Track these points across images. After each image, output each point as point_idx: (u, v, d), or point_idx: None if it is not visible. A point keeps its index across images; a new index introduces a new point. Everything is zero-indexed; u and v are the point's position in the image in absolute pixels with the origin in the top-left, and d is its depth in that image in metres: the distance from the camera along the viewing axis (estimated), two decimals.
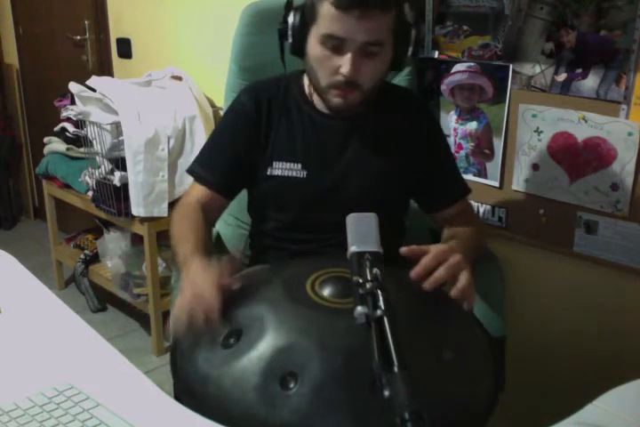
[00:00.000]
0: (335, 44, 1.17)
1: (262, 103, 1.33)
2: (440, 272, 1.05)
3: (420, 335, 0.98)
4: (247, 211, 1.48)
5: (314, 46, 1.20)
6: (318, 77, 1.23)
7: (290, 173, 1.32)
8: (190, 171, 1.39)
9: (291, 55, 1.27)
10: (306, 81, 1.34)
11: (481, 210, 1.84)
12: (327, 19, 1.16)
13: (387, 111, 1.35)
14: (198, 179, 1.37)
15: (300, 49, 1.24)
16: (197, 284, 1.06)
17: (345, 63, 1.17)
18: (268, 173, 1.33)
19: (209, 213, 1.34)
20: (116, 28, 2.90)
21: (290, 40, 1.24)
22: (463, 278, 1.07)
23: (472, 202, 1.76)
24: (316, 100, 1.33)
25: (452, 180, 1.42)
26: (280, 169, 1.32)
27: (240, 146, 1.34)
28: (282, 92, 1.35)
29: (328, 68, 1.20)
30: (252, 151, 1.34)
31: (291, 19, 1.22)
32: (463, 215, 1.38)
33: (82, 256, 2.82)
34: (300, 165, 1.32)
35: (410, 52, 1.24)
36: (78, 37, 3.04)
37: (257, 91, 1.36)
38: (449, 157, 1.44)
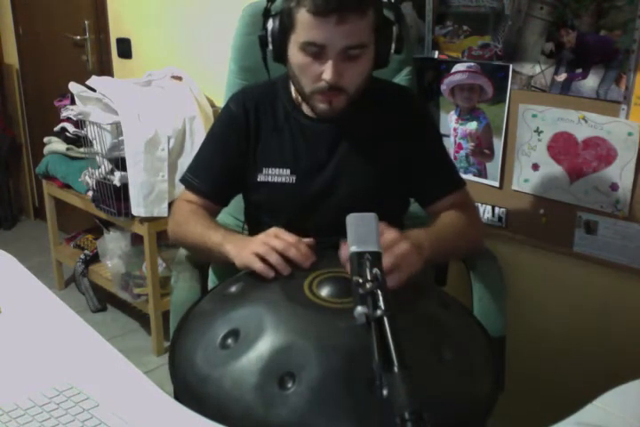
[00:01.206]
0: (315, 51, 1.16)
1: (250, 110, 1.33)
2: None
3: (419, 335, 0.98)
4: (243, 216, 1.48)
5: (294, 54, 1.19)
6: (302, 84, 1.22)
7: (279, 179, 1.32)
8: (183, 180, 1.39)
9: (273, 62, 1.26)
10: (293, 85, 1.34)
11: (481, 210, 1.84)
12: (305, 26, 1.15)
13: (375, 110, 1.34)
14: (191, 188, 1.37)
15: (281, 56, 1.23)
16: (270, 232, 1.12)
17: (327, 69, 1.16)
18: (258, 179, 1.33)
19: None
20: (116, 28, 2.90)
21: (270, 48, 1.23)
22: (404, 270, 1.03)
23: None
24: (303, 103, 1.32)
25: (444, 172, 1.39)
26: (269, 175, 1.32)
27: (230, 154, 1.34)
28: (269, 97, 1.35)
29: (310, 74, 1.19)
30: (242, 158, 1.34)
31: (269, 26, 1.21)
32: (455, 208, 1.33)
33: (82, 256, 2.82)
34: (288, 171, 1.32)
35: (393, 49, 1.23)
36: (78, 37, 3.04)
37: (245, 97, 1.36)
38: (439, 151, 1.41)
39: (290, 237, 1.12)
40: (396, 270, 1.02)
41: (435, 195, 1.36)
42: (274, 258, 1.08)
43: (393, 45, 1.23)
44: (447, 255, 1.29)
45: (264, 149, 1.33)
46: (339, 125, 1.32)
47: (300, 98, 1.31)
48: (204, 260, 1.38)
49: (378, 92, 1.34)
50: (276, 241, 1.10)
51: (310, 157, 1.32)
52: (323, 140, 1.32)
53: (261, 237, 1.14)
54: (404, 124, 1.34)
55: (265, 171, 1.33)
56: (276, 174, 1.32)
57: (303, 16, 1.14)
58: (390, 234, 1.06)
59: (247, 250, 1.12)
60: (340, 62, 1.16)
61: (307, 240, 1.13)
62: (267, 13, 1.23)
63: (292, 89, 1.33)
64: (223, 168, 1.35)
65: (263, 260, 1.09)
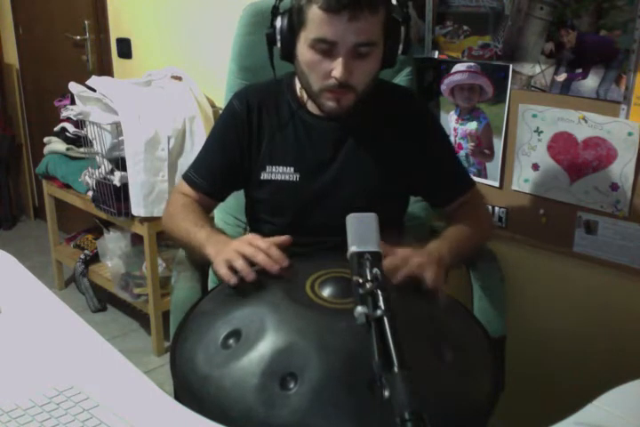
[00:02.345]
0: (326, 48, 1.16)
1: (254, 107, 1.33)
2: (401, 273, 1.07)
3: (419, 335, 0.98)
4: (244, 214, 1.48)
5: (304, 51, 1.19)
6: (310, 82, 1.22)
7: (283, 177, 1.32)
8: (185, 176, 1.39)
9: (280, 60, 1.26)
10: (298, 83, 1.34)
11: None
12: (316, 23, 1.15)
13: (379, 111, 1.34)
14: (189, 182, 1.38)
15: (289, 54, 1.23)
16: (244, 239, 1.15)
17: (337, 66, 1.16)
18: (262, 177, 1.33)
19: None
20: (116, 28, 2.90)
21: (278, 45, 1.23)
22: (428, 276, 1.08)
23: None
24: (308, 102, 1.32)
25: (453, 175, 1.40)
26: (273, 173, 1.33)
27: (232, 151, 1.34)
28: (274, 95, 1.35)
29: (320, 72, 1.19)
30: (245, 156, 1.34)
31: (278, 23, 1.21)
32: (466, 208, 1.36)
33: (82, 256, 2.82)
34: (292, 169, 1.32)
35: (401, 50, 1.23)
36: (78, 37, 3.04)
37: (248, 95, 1.36)
38: (449, 152, 1.42)
39: (262, 243, 1.13)
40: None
41: (448, 197, 1.39)
42: (239, 264, 1.10)
43: (401, 46, 1.23)
44: (462, 259, 1.31)
45: (267, 146, 1.33)
46: (343, 124, 1.32)
47: (305, 96, 1.31)
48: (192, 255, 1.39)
49: (380, 93, 1.35)
50: (246, 247, 1.12)
51: (314, 155, 1.32)
52: (327, 138, 1.33)
53: (235, 242, 1.15)
54: (407, 124, 1.34)
55: (268, 169, 1.33)
56: (280, 172, 1.32)
57: (314, 13, 1.14)
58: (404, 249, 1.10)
59: (220, 255, 1.14)
60: (350, 60, 1.16)
61: (282, 239, 1.15)
62: (275, 11, 1.23)
63: (297, 87, 1.33)
64: (222, 164, 1.36)
65: (229, 266, 1.11)
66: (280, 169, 1.32)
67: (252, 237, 1.15)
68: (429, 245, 1.19)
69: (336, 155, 1.32)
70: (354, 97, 1.22)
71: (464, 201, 1.38)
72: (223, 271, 1.10)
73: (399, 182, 1.36)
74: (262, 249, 1.11)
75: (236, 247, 1.13)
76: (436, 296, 1.08)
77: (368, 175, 1.33)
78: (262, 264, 1.10)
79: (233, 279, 1.09)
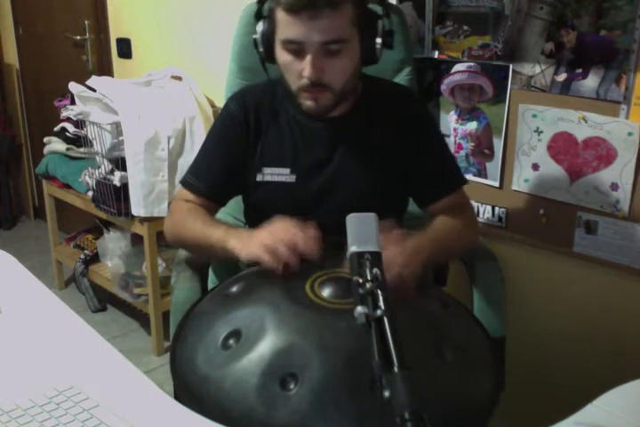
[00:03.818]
0: (295, 48, 1.17)
1: (250, 109, 1.33)
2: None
3: (420, 335, 0.98)
4: (243, 216, 1.48)
5: (279, 53, 1.21)
6: (289, 83, 1.24)
7: (279, 179, 1.32)
8: (183, 182, 1.38)
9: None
10: None
11: (481, 210, 1.84)
12: (283, 24, 1.17)
13: (375, 110, 1.34)
14: (189, 187, 1.36)
15: (271, 56, 1.25)
16: (279, 226, 1.12)
17: (306, 66, 1.17)
18: (258, 179, 1.33)
19: None
20: (116, 28, 2.90)
21: (261, 49, 1.25)
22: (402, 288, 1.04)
23: (472, 202, 1.74)
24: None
25: (443, 172, 1.39)
26: (270, 175, 1.32)
27: (230, 154, 1.34)
28: (269, 96, 1.35)
29: (294, 72, 1.20)
30: (242, 157, 1.33)
31: (259, 28, 1.23)
32: (452, 208, 1.33)
33: (82, 256, 2.82)
34: (288, 170, 1.32)
35: (380, 44, 1.22)
36: (78, 37, 3.04)
37: (244, 97, 1.36)
38: (440, 152, 1.40)
39: (295, 228, 1.11)
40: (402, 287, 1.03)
41: (432, 196, 1.36)
42: (282, 250, 1.07)
43: (379, 40, 1.22)
44: (444, 256, 1.29)
45: (263, 148, 1.33)
46: (338, 124, 1.32)
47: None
48: (204, 258, 1.38)
49: (378, 92, 1.34)
50: (283, 232, 1.10)
51: (310, 156, 1.32)
52: (322, 139, 1.32)
53: (268, 228, 1.13)
54: (403, 124, 1.34)
55: (264, 170, 1.33)
56: (276, 173, 1.32)
57: (280, 15, 1.16)
58: (392, 250, 1.06)
59: (254, 242, 1.11)
60: (319, 58, 1.17)
61: (311, 231, 1.12)
62: (257, 16, 1.25)
63: None
64: (222, 167, 1.35)
65: (271, 253, 1.08)
66: (276, 171, 1.32)
67: (284, 222, 1.13)
68: (410, 237, 1.15)
69: (332, 155, 1.32)
70: (331, 96, 1.22)
71: (450, 203, 1.35)
72: (267, 258, 1.08)
73: (396, 182, 1.36)
74: (299, 234, 1.10)
75: (272, 231, 1.11)
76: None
77: (365, 175, 1.32)
78: (303, 251, 1.08)
79: (280, 266, 1.07)
